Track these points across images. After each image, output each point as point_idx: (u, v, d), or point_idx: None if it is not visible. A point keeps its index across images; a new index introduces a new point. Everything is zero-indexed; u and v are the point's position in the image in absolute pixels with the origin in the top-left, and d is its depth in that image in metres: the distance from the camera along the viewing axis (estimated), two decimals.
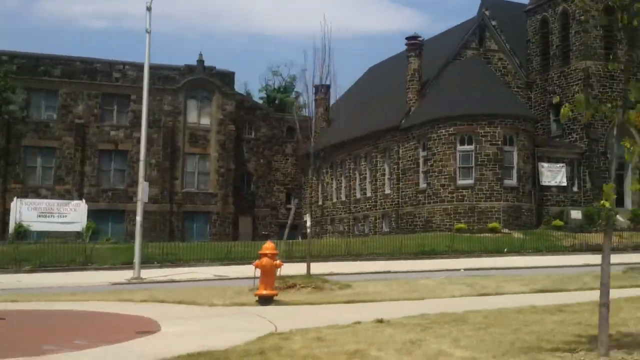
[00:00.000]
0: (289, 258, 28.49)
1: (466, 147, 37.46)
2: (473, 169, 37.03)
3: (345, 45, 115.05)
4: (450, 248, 30.31)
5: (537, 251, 31.38)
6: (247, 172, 54.01)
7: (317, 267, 23.52)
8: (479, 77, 39.71)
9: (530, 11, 45.80)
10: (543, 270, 21.64)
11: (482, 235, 33.52)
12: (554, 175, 39.84)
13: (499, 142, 37.03)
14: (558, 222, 35.62)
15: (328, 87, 54.73)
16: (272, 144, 54.58)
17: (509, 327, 9.23)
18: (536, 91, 45.03)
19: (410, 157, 40.66)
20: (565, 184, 40.16)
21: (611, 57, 41.62)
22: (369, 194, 44.74)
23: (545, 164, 39.76)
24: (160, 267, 26.28)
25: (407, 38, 41.98)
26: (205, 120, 50.70)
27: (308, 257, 17.68)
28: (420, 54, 41.64)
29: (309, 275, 15.36)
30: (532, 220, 37.58)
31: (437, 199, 37.89)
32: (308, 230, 23.28)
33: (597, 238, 33.88)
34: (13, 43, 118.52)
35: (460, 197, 37.15)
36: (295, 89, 78.22)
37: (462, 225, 34.78)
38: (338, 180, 49.09)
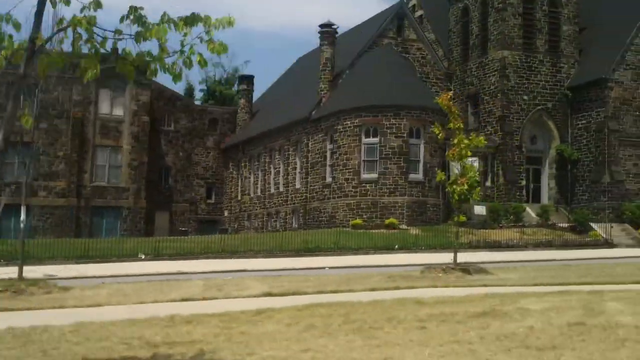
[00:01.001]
0: (157, 256, 26.55)
1: (371, 140, 35.66)
2: (377, 163, 35.24)
3: (295, 34, 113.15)
4: (337, 245, 28.46)
5: (430, 248, 29.67)
6: (165, 165, 51.67)
7: (177, 266, 21.54)
8: (391, 67, 37.91)
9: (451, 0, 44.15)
10: (396, 268, 19.89)
11: (378, 231, 31.75)
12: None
13: (405, 135, 35.27)
14: (462, 218, 33.82)
15: (252, 78, 52.92)
16: (192, 137, 52.25)
17: None
18: (456, 83, 43.39)
19: (318, 150, 38.78)
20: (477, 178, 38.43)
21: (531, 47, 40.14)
22: (281, 189, 42.82)
23: None
24: None
25: (320, 26, 40.05)
26: (118, 111, 48.27)
27: (21, 259, 15.42)
28: (333, 43, 39.77)
29: (20, 278, 13.32)
30: (439, 215, 35.90)
31: (341, 194, 36.06)
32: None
33: (498, 235, 32.36)
34: None
35: (363, 191, 35.35)
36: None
37: (359, 221, 32.99)
38: (255, 174, 47.08)
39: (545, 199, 40.56)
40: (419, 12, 47.93)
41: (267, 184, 44.86)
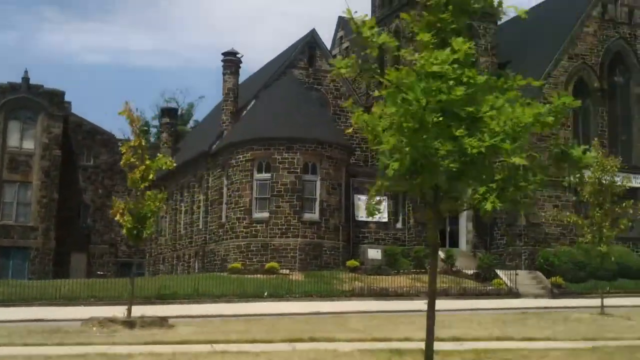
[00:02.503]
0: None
1: (263, 175, 33.33)
2: (269, 201, 32.86)
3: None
4: (197, 292, 25.93)
5: (306, 295, 27.17)
6: (83, 203, 49.30)
7: None
8: (293, 99, 35.79)
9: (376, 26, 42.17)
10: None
11: (254, 276, 29.19)
12: None
13: (298, 170, 32.95)
14: (353, 263, 31.44)
15: (175, 110, 50.92)
16: (113, 173, 49.86)
17: None
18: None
19: (216, 187, 36.43)
20: (386, 219, 36.14)
21: None
22: (186, 230, 40.37)
23: (363, 197, 35.67)
24: None
25: (222, 54, 37.98)
26: (28, 144, 46.11)
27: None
28: (237, 72, 37.66)
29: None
30: (338, 259, 33.30)
31: (232, 235, 33.58)
32: None
33: (389, 282, 29.80)
34: None
35: (254, 232, 32.86)
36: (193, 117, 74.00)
37: (237, 265, 30.47)
38: (170, 213, 44.63)
39: (463, 243, 38.11)
40: (346, 43, 46.22)
41: (177, 224, 42.43)
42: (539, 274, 33.02)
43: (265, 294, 26.59)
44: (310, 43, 40.37)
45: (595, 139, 32.03)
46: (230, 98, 37.19)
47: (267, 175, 33.10)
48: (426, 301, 8.83)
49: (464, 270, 32.80)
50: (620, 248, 35.89)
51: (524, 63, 39.49)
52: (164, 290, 25.88)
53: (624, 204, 24.34)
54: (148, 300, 24.95)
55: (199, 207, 38.96)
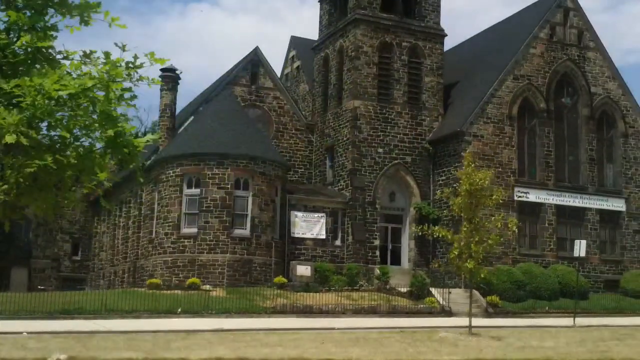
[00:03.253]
0: None
1: (193, 191, 32.41)
2: (198, 216, 31.89)
3: None
4: (104, 307, 24.80)
5: (224, 312, 26.10)
6: (24, 217, 47.92)
7: None
8: (228, 115, 34.97)
9: (317, 48, 41.74)
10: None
11: (173, 292, 28.10)
12: (310, 226, 34.93)
13: (229, 186, 32.05)
14: (281, 279, 30.44)
15: None
16: (57, 188, 48.61)
17: None
18: (317, 134, 40.56)
19: (149, 202, 35.46)
20: (324, 236, 35.25)
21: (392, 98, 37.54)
22: (122, 245, 39.24)
23: (300, 213, 34.86)
24: None
25: (161, 70, 37.18)
26: None
27: None
28: (174, 88, 36.87)
29: None
30: (269, 276, 32.24)
31: (160, 250, 32.54)
32: None
33: (315, 299, 28.79)
34: None
35: (182, 247, 31.84)
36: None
37: (156, 280, 29.33)
38: (110, 228, 43.52)
39: (405, 261, 37.26)
40: (297, 63, 45.71)
41: (115, 240, 41.31)
42: (476, 292, 32.10)
43: (179, 310, 25.49)
44: (253, 61, 39.78)
45: None
46: (166, 114, 36.35)
47: (196, 191, 32.20)
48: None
49: (398, 288, 31.89)
50: (563, 267, 35.30)
51: (473, 83, 39.19)
52: (71, 305, 24.71)
53: (493, 218, 23.11)
54: (50, 315, 23.87)
55: (134, 223, 37.92)
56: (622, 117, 39.91)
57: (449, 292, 30.56)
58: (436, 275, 36.06)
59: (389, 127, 37.29)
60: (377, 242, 35.98)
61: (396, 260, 37.22)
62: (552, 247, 36.67)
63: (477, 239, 21.85)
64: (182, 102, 54.92)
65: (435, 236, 23.79)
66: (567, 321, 28.75)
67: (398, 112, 37.64)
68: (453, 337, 20.21)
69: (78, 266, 48.87)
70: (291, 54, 46.68)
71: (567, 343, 20.55)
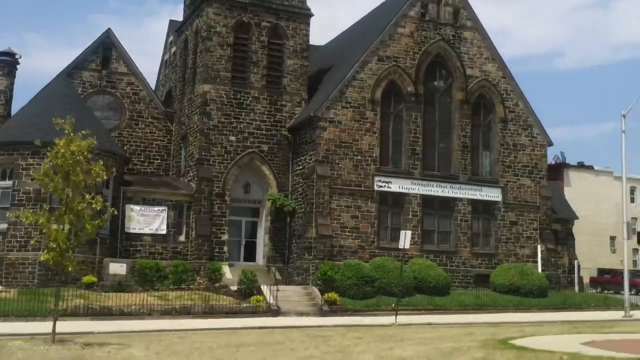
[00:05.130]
0: None
1: (6, 183, 29.75)
2: (9, 210, 29.21)
3: None
4: None
5: (3, 315, 23.52)
6: None
7: None
8: (61, 102, 32.25)
9: (179, 30, 39.16)
10: None
11: None
12: (149, 220, 32.36)
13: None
14: (90, 278, 27.87)
15: None
16: None
17: None
18: (175, 122, 38.00)
19: None
20: (164, 231, 32.70)
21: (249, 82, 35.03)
22: None
23: (137, 207, 32.30)
24: None
25: None
26: None
27: None
28: (11, 73, 34.26)
29: None
30: (92, 275, 29.58)
31: None
32: None
33: (122, 299, 26.19)
34: None
35: None
36: None
37: None
38: None
39: (260, 257, 34.79)
40: (174, 48, 43.08)
41: None
42: (314, 289, 29.72)
43: None
44: (105, 43, 37.10)
45: None
46: (0, 101, 33.66)
47: (9, 183, 29.53)
48: None
49: (231, 287, 29.42)
50: (422, 262, 32.93)
51: (342, 67, 36.76)
52: None
53: (93, 199, 17.78)
54: None
55: None
56: (502, 101, 37.55)
57: (277, 290, 28.07)
58: (290, 272, 33.70)
59: (244, 114, 34.77)
60: (225, 237, 33.45)
61: (251, 257, 34.77)
62: (416, 239, 34.26)
63: (66, 223, 17.54)
64: None
65: (28, 222, 18.21)
66: (401, 319, 26.39)
67: (255, 97, 35.12)
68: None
69: None
70: (170, 39, 44.04)
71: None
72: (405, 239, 27.07)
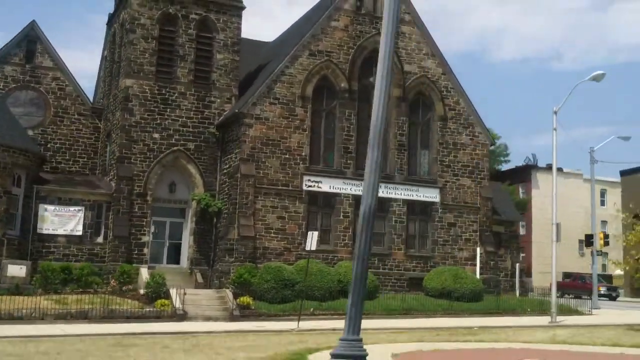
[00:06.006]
0: None
1: None
2: None
3: None
4: None
5: None
6: None
7: None
8: None
9: (109, 23, 37.88)
10: None
11: None
12: (64, 221, 31.02)
13: None
14: None
15: None
16: None
17: None
18: (103, 119, 36.67)
19: None
20: (80, 232, 31.36)
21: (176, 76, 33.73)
22: None
23: (52, 207, 30.95)
24: None
25: None
26: None
27: None
28: None
29: None
30: None
31: None
32: None
33: (14, 303, 24.79)
34: None
35: None
36: None
37: None
38: None
39: (185, 259, 33.47)
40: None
41: None
42: (228, 292, 28.40)
43: None
44: (30, 36, 35.78)
45: None
46: None
47: None
48: None
49: (140, 290, 28.10)
50: (349, 264, 31.52)
51: (274, 63, 35.48)
52: None
53: None
54: None
55: None
56: (441, 98, 36.29)
57: (184, 294, 26.71)
58: (215, 275, 32.36)
59: (169, 110, 33.47)
60: (146, 239, 32.12)
61: (176, 259, 33.45)
62: (346, 241, 33.00)
63: None
64: None
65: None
66: (308, 324, 25.11)
67: (182, 93, 33.81)
68: None
69: None
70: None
71: None
72: (312, 240, 25.78)
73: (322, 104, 34.15)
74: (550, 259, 57.02)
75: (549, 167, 63.95)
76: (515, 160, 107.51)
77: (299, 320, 24.95)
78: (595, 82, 28.76)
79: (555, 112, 29.26)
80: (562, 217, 64.70)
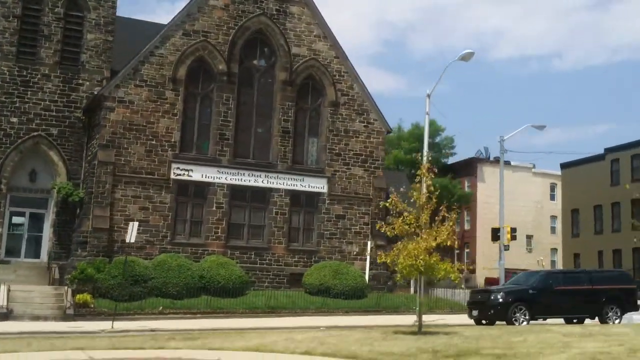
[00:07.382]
0: None
1: None
2: None
3: None
4: None
5: None
6: None
7: None
8: None
9: None
10: None
11: None
12: None
13: None
14: None
15: None
16: None
17: None
18: None
19: None
20: None
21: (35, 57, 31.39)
22: None
23: None
24: None
25: None
26: None
27: None
28: None
29: None
30: None
31: None
32: None
33: None
34: None
35: None
36: None
37: None
38: None
39: (45, 253, 31.15)
40: None
41: None
42: (68, 290, 26.09)
43: None
44: None
45: None
46: None
47: None
48: None
49: None
50: (214, 258, 29.39)
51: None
52: None
53: None
54: None
55: None
56: (333, 83, 34.03)
57: (9, 290, 24.43)
58: (67, 270, 29.97)
59: (30, 92, 31.14)
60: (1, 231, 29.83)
61: (37, 253, 31.13)
62: (219, 234, 30.74)
63: None
64: None
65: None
66: (133, 325, 22.83)
67: (45, 75, 31.47)
68: None
69: None
70: None
71: None
72: (132, 232, 23.51)
73: (197, 87, 31.87)
74: (496, 255, 54.80)
75: (496, 161, 61.85)
76: (467, 154, 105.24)
77: (113, 320, 22.62)
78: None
79: (429, 95, 27.04)
80: (511, 211, 62.66)
